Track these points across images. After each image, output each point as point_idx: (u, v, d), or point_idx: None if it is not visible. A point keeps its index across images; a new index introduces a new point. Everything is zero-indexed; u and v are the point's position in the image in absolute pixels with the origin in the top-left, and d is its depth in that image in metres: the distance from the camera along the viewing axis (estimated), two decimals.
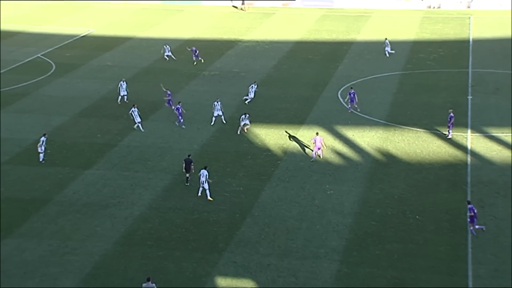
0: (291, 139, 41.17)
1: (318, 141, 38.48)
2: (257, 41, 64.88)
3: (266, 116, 45.15)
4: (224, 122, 43.53)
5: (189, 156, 36.14)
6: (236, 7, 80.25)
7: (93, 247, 30.19)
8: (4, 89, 50.72)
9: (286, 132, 42.17)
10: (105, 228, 31.73)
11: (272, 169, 37.69)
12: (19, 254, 29.75)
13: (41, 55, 60.47)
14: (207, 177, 34.48)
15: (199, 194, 34.63)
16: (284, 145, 40.67)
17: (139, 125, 42.68)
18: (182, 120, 43.26)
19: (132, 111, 42.95)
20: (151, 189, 35.47)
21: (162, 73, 55.45)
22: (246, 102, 47.37)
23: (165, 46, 58.73)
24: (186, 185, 35.57)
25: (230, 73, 55.16)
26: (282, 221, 32.35)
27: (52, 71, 55.77)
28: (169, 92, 46.53)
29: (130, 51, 62.19)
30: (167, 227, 31.84)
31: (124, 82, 47.97)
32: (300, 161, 38.64)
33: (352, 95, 45.46)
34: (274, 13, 77.00)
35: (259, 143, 41.05)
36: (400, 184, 35.81)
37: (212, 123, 43.38)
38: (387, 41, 59.56)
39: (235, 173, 37.30)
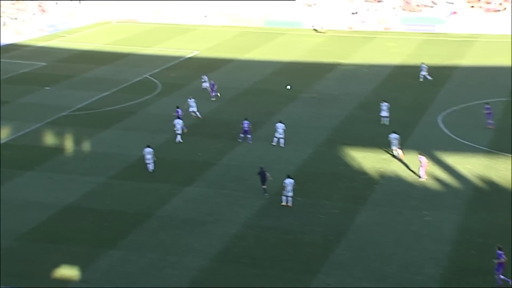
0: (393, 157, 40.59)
1: (423, 161, 38.14)
2: (357, 65, 64.45)
3: (364, 139, 44.63)
4: (282, 146, 43.28)
5: (261, 168, 36.82)
6: (316, 30, 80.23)
7: (190, 262, 30.68)
8: (115, 107, 52.56)
9: (389, 152, 41.52)
10: (202, 244, 32.19)
11: (368, 192, 37.12)
12: (122, 265, 30.64)
13: (148, 75, 62.55)
14: (293, 185, 34.86)
15: (284, 203, 34.96)
16: (381, 169, 40.00)
17: (179, 136, 44.61)
18: (249, 136, 44.33)
19: (176, 122, 44.92)
20: (247, 208, 35.73)
21: (262, 94, 55.98)
22: (386, 122, 46.84)
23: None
24: (265, 196, 36.26)
25: (329, 96, 54.99)
26: (377, 245, 31.73)
27: (158, 91, 57.53)
28: (178, 110, 47.18)
29: (232, 72, 63.27)
30: (262, 246, 31.93)
31: (192, 99, 49.32)
32: (396, 185, 37.86)
33: (487, 110, 45.35)
34: (375, 37, 76.30)
35: (356, 166, 40.58)
36: (502, 214, 34.36)
37: (273, 143, 43.71)
38: (423, 65, 57.90)
39: (331, 195, 37.00)
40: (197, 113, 49.07)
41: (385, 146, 42.99)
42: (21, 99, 55.29)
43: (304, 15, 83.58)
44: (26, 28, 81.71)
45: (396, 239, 32.25)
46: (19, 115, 50.99)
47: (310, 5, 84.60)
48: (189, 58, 69.38)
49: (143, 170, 40.49)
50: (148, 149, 40.08)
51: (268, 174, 36.53)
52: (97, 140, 45.91)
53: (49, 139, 46.25)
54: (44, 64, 67.72)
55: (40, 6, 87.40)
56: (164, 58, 69.10)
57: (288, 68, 63.55)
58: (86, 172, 40.29)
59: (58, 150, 44.06)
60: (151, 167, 39.96)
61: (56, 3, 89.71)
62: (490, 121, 45.61)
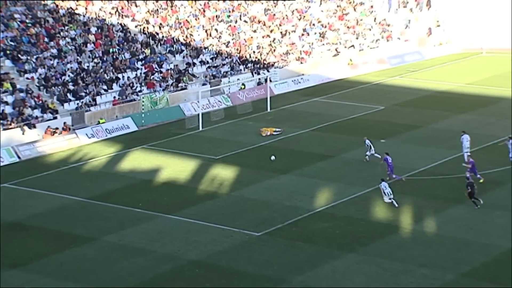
0: None
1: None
2: None
3: None
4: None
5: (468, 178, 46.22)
6: None
7: None
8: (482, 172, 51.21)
9: None
10: None
11: None
12: None
13: None
14: None
15: None
16: None
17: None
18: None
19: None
20: None
21: None
22: None
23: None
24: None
25: None
26: None
27: None
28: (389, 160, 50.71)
29: None
30: None
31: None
32: None
33: None
34: None
35: None
36: None
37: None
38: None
39: None
40: None
41: None
42: (346, 153, 57.20)
43: None
44: (363, 59, 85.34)
45: None
46: (340, 175, 52.73)
47: None
48: None
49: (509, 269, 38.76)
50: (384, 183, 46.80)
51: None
52: (445, 218, 45.35)
53: (379, 210, 46.82)
54: (381, 108, 69.62)
55: (384, 31, 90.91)
56: None
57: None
58: (428, 263, 39.73)
59: (391, 228, 44.35)
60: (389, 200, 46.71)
61: (407, 26, 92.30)
62: None
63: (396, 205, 46.45)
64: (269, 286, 37.70)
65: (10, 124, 60.48)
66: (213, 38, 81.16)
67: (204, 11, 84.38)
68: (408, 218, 45.57)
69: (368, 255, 40.83)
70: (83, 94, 67.38)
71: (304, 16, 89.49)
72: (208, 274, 39.17)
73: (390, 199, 46.84)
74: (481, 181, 49.41)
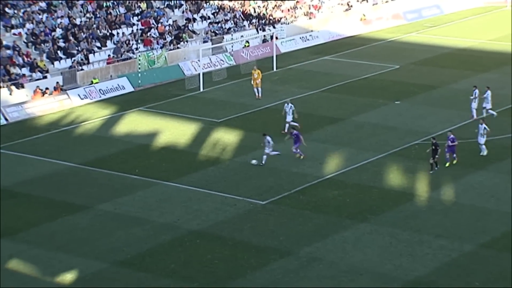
0: None
1: None
2: None
3: None
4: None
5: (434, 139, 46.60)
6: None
7: None
8: (496, 137, 51.39)
9: None
10: None
11: None
12: None
13: None
14: None
15: None
16: None
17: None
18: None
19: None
20: None
21: None
22: None
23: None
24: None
25: None
26: None
27: None
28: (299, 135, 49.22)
29: None
30: None
31: None
32: None
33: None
34: None
35: None
36: None
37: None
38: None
39: None
40: None
41: None
42: (358, 116, 57.29)
43: None
44: (376, 14, 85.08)
45: None
46: (351, 140, 52.88)
47: None
48: None
49: None
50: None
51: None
52: (464, 185, 45.61)
53: (393, 177, 47.04)
54: (396, 67, 69.59)
55: None
56: None
57: None
58: (445, 233, 39.96)
59: (406, 196, 44.55)
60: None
61: None
62: None
63: (262, 162, 48.38)
64: (275, 258, 37.95)
65: None
66: None
67: None
68: (424, 185, 45.76)
69: (381, 225, 41.06)
70: (75, 51, 67.38)
71: None
72: (209, 245, 39.42)
73: (265, 154, 48.36)
74: (454, 161, 48.76)
